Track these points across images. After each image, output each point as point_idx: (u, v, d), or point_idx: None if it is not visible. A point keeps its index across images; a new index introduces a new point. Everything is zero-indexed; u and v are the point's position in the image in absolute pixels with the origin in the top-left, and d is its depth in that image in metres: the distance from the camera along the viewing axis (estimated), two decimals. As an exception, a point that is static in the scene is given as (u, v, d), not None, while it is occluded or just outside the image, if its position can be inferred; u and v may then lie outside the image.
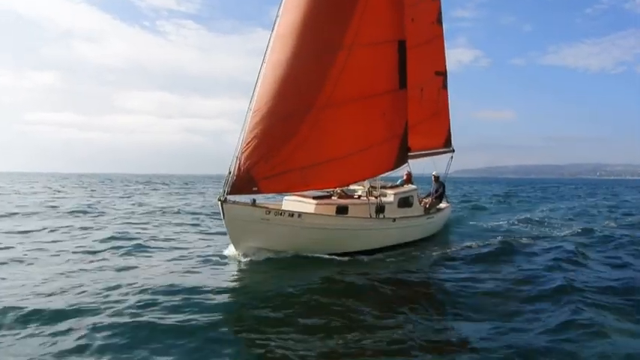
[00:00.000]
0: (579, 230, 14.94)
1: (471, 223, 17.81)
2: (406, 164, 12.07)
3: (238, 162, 9.52)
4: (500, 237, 13.41)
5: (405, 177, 14.25)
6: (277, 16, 10.02)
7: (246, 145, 9.53)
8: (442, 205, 15.30)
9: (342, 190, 12.00)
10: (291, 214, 9.87)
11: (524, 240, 12.95)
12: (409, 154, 12.46)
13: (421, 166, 14.90)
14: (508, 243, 12.31)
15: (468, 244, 12.42)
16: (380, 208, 11.31)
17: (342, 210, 10.95)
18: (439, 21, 13.65)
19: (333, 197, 11.61)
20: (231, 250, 10.00)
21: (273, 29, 9.99)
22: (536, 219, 19.04)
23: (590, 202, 33.06)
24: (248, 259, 9.60)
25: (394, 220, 11.42)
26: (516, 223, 17.66)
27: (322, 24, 9.90)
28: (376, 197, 11.61)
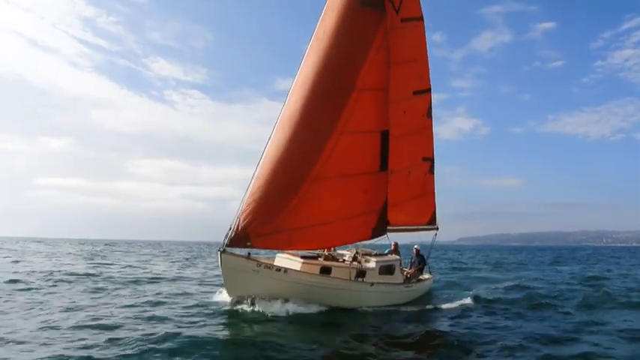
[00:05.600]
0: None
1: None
2: (384, 236, 13.60)
3: (238, 220, 11.50)
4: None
5: (392, 247, 15.82)
6: (284, 105, 12.40)
7: (246, 206, 11.54)
8: (425, 275, 16.62)
9: (329, 254, 13.67)
10: (278, 268, 11.58)
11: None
12: (393, 227, 14.14)
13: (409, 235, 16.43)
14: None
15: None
16: (361, 273, 12.73)
17: (325, 270, 12.45)
18: (429, 114, 15.68)
19: (319, 259, 13.19)
20: (224, 295, 11.77)
21: (279, 116, 12.33)
22: None
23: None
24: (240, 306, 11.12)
25: (372, 284, 12.76)
26: None
27: (317, 114, 12.10)
28: (359, 262, 13.17)
